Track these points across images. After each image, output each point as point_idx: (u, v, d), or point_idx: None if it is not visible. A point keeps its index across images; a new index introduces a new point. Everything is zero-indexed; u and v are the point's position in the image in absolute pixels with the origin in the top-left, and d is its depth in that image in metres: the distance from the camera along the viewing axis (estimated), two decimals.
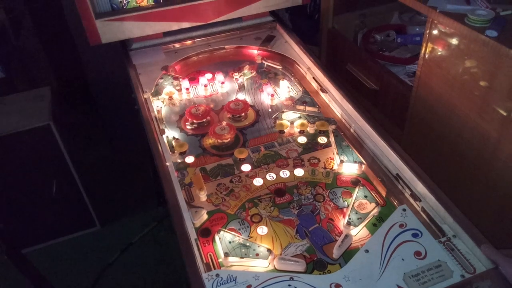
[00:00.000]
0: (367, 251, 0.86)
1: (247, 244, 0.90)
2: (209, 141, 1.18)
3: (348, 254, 0.88)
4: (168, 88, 1.35)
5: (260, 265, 0.87)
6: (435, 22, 1.17)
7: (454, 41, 1.14)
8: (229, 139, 1.18)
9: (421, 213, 0.96)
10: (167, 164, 1.07)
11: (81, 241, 1.93)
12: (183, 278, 1.73)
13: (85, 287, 1.75)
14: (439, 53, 1.20)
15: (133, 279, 1.77)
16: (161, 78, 1.39)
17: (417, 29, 1.64)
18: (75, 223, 1.94)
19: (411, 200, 0.99)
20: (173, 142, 1.17)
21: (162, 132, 1.18)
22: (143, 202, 2.08)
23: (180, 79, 1.38)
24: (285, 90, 1.35)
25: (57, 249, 1.90)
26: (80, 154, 1.99)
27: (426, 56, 1.24)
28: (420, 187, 0.97)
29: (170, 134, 1.21)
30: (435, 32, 1.19)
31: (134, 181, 2.17)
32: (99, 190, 2.08)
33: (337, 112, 1.27)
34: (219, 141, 1.18)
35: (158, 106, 1.30)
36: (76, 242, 1.93)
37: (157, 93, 1.34)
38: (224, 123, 1.21)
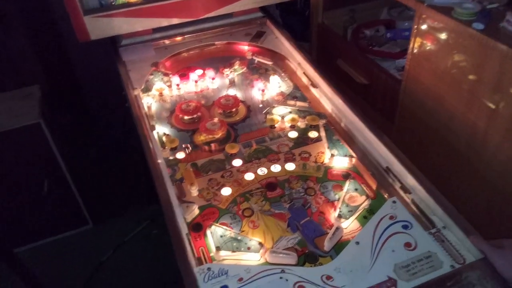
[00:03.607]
0: (357, 243, 0.87)
1: (239, 238, 0.90)
2: (201, 137, 1.18)
3: (339, 246, 0.88)
4: (158, 84, 1.34)
5: (252, 259, 0.87)
6: (423, 16, 1.18)
7: (442, 34, 1.15)
8: (220, 134, 1.18)
9: (411, 205, 0.97)
10: (159, 161, 1.07)
11: (73, 240, 1.92)
12: (176, 276, 1.72)
13: (77, 286, 1.74)
14: (427, 47, 1.21)
15: (126, 278, 1.76)
16: (151, 74, 1.38)
17: (406, 24, 1.65)
18: (67, 222, 1.93)
19: (401, 193, 0.99)
20: (164, 138, 1.16)
21: (153, 128, 1.18)
22: (135, 200, 2.07)
23: (170, 75, 1.37)
24: (276, 85, 1.35)
25: (49, 248, 1.88)
26: (71, 152, 1.98)
27: (415, 50, 1.25)
28: (410, 180, 0.98)
29: (161, 130, 1.21)
30: (423, 26, 1.20)
31: (126, 179, 2.16)
32: (91, 189, 2.07)
33: (328, 106, 1.27)
34: (210, 136, 1.18)
35: (149, 102, 1.29)
36: (68, 241, 1.91)
37: (147, 89, 1.33)
38: (215, 119, 1.21)
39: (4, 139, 1.59)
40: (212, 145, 1.15)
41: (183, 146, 1.15)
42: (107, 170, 2.21)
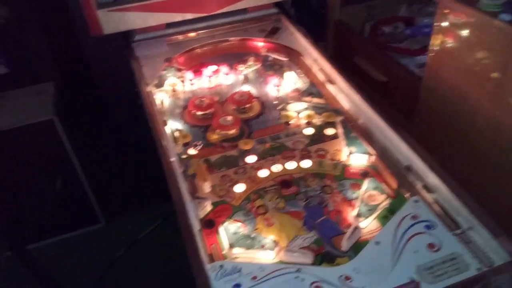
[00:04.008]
0: (378, 243, 0.83)
1: (252, 235, 0.86)
2: (214, 136, 1.15)
3: (358, 246, 0.84)
4: (171, 79, 1.32)
5: (266, 257, 0.84)
6: (446, 10, 1.14)
7: (466, 28, 1.10)
8: (234, 130, 1.15)
9: (434, 205, 0.92)
10: (171, 156, 1.04)
11: (85, 238, 1.91)
12: (188, 276, 1.69)
13: (89, 284, 1.72)
14: (450, 42, 1.16)
15: (138, 277, 1.74)
16: (164, 69, 1.36)
17: (425, 20, 1.60)
18: (80, 220, 1.92)
19: (423, 192, 0.95)
20: (176, 134, 1.14)
21: (165, 123, 1.15)
22: (148, 199, 2.05)
23: (184, 71, 1.35)
24: (291, 81, 1.31)
25: (61, 246, 1.87)
26: (84, 149, 1.97)
27: (436, 46, 1.20)
28: (432, 179, 0.94)
29: (173, 125, 1.18)
30: (445, 20, 1.16)
31: (139, 178, 2.14)
32: (104, 187, 2.06)
33: (345, 103, 1.23)
34: (223, 132, 1.15)
35: (161, 97, 1.27)
36: (80, 239, 1.90)
37: (160, 84, 1.31)
38: (229, 117, 1.17)
39: (17, 135, 1.59)
40: (224, 144, 1.11)
41: (193, 144, 1.12)
42: (120, 168, 2.19)
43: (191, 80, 1.32)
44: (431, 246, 0.81)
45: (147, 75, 1.33)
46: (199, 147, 1.11)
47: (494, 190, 1.17)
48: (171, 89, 1.31)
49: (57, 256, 1.83)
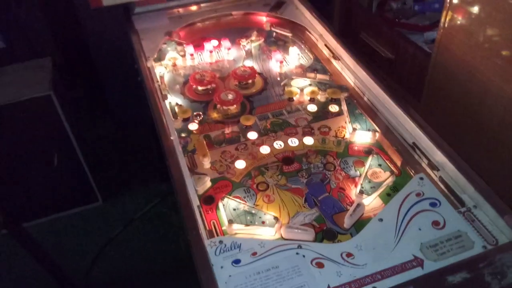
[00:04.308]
0: (381, 220, 0.81)
1: (253, 211, 0.84)
2: (214, 114, 1.12)
3: (360, 224, 0.83)
4: (171, 53, 1.28)
5: (266, 234, 0.82)
6: None
7: (477, 3, 1.06)
8: (235, 106, 1.12)
9: (439, 183, 0.90)
10: (170, 131, 1.02)
11: (83, 216, 1.90)
12: (185, 255, 1.69)
13: (87, 262, 1.72)
14: (461, 17, 1.12)
15: (135, 255, 1.74)
16: (165, 43, 1.32)
17: None
18: (77, 198, 1.90)
19: (428, 170, 0.93)
20: (176, 108, 1.11)
21: (165, 97, 1.12)
22: (146, 178, 2.04)
23: (185, 45, 1.31)
24: (295, 57, 1.28)
25: (58, 223, 1.87)
26: (82, 127, 1.95)
27: (447, 22, 1.16)
28: (438, 156, 0.91)
29: (173, 100, 1.15)
30: None
31: (137, 157, 2.12)
32: (102, 165, 2.04)
33: (350, 79, 1.20)
34: (224, 108, 1.12)
35: (161, 72, 1.24)
36: (78, 217, 1.89)
37: (160, 58, 1.28)
38: (231, 93, 1.13)
39: (14, 110, 1.56)
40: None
41: (194, 114, 1.09)
42: (119, 146, 2.17)
43: (192, 54, 1.28)
44: (435, 223, 0.79)
45: (147, 49, 1.30)
46: (199, 118, 1.08)
47: (502, 169, 1.14)
48: (171, 64, 1.27)
49: (54, 234, 1.82)
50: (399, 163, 0.96)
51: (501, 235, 0.77)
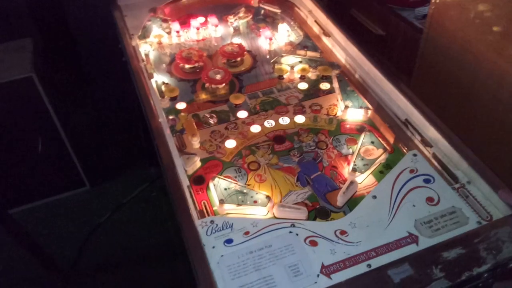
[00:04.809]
0: (374, 197, 0.80)
1: (244, 191, 0.82)
2: (203, 96, 1.08)
3: (353, 202, 0.81)
4: (156, 30, 1.24)
5: (258, 213, 0.80)
6: None
7: None
8: (224, 84, 1.09)
9: (432, 159, 0.89)
10: (157, 110, 0.99)
11: (70, 201, 1.85)
12: (175, 239, 1.67)
13: (75, 247, 1.69)
14: None
15: (124, 240, 1.71)
16: (149, 20, 1.28)
17: None
18: (64, 183, 1.86)
19: (421, 146, 0.91)
20: (163, 87, 1.07)
21: (151, 76, 1.08)
22: (134, 162, 2.00)
23: (170, 22, 1.27)
24: (285, 34, 1.24)
25: (45, 209, 1.82)
26: (67, 110, 1.89)
27: None
28: (431, 132, 0.90)
29: (160, 79, 1.11)
30: None
31: (125, 140, 2.07)
32: (88, 150, 1.99)
33: (341, 56, 1.17)
34: (213, 86, 1.08)
35: (146, 50, 1.19)
36: (64, 203, 1.85)
37: (144, 36, 1.23)
38: (219, 71, 1.10)
39: None
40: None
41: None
42: (105, 129, 2.12)
43: (177, 32, 1.24)
44: (429, 199, 0.79)
45: (131, 26, 1.25)
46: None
47: (495, 145, 1.14)
48: (156, 42, 1.23)
49: (41, 220, 1.78)
50: (392, 140, 0.94)
51: (495, 210, 0.77)
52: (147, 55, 1.17)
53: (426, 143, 0.90)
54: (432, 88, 1.27)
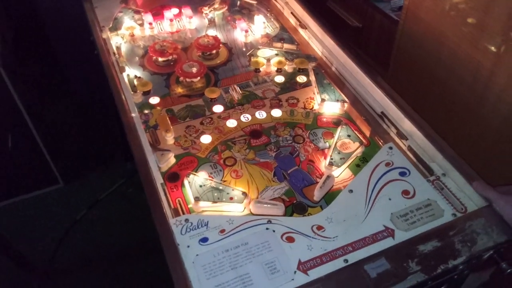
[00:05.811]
0: (351, 191, 0.79)
1: (220, 187, 0.81)
2: (178, 89, 1.05)
3: (330, 196, 0.81)
4: (128, 22, 1.20)
5: (235, 210, 0.78)
6: None
7: None
8: (199, 78, 1.06)
9: (408, 152, 0.89)
10: (129, 105, 0.96)
11: (43, 199, 1.80)
12: (153, 235, 1.65)
13: (50, 246, 1.64)
14: None
15: (101, 236, 1.68)
16: (120, 12, 1.23)
17: None
18: (36, 180, 1.80)
19: (397, 139, 0.91)
20: (135, 81, 1.04)
21: (122, 70, 1.05)
22: (110, 157, 1.95)
23: (142, 13, 1.23)
24: (261, 26, 1.22)
25: (17, 208, 1.77)
26: (38, 105, 1.82)
27: None
28: (407, 125, 0.90)
29: (132, 73, 1.08)
30: None
31: (99, 136, 2.02)
32: (61, 146, 1.93)
33: (318, 49, 1.16)
34: (187, 80, 1.06)
35: (118, 42, 1.16)
36: (38, 200, 1.79)
37: (116, 28, 1.19)
38: (194, 64, 1.07)
39: None
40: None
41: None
42: (78, 125, 2.06)
43: (150, 23, 1.20)
44: (405, 192, 0.79)
45: (101, 18, 1.21)
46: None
47: (471, 136, 1.15)
48: (128, 34, 1.19)
49: (14, 218, 1.73)
50: (368, 133, 0.94)
51: (470, 202, 0.77)
52: (118, 48, 1.13)
53: (401, 135, 0.90)
54: (409, 79, 1.27)
